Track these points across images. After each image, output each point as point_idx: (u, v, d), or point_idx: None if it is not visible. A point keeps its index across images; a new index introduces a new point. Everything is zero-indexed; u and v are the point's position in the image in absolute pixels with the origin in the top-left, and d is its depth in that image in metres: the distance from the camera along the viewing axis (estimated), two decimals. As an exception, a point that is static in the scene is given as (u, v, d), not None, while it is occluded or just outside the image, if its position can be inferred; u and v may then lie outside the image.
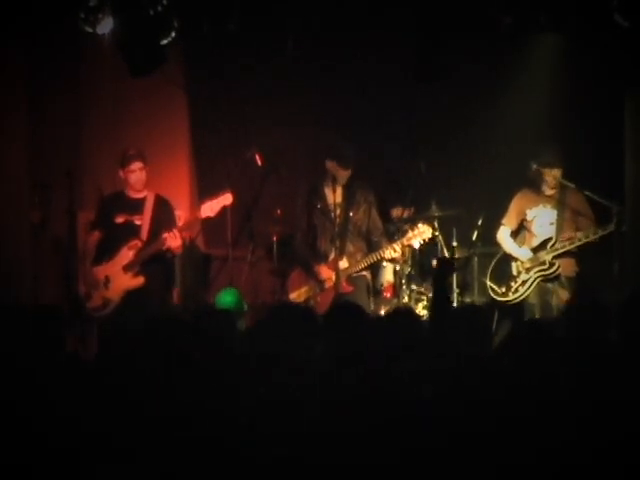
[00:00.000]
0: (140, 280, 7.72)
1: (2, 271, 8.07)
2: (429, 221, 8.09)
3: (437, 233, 8.16)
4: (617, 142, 8.23)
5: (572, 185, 7.99)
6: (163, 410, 3.87)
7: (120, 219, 7.79)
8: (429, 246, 8.16)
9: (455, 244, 8.47)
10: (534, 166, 8.03)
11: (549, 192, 8.11)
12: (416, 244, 7.90)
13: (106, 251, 7.80)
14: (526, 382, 3.94)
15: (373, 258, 7.92)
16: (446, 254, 8.26)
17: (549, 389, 3.91)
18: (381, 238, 8.06)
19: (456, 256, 8.30)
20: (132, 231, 7.78)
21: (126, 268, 7.71)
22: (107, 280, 7.72)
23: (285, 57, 7.71)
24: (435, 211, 8.24)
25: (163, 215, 7.81)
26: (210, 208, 7.65)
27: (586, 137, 8.53)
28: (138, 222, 7.79)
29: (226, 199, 7.66)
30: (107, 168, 8.66)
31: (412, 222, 8.17)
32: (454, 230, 8.47)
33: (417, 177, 8.36)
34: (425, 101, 8.85)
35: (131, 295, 7.72)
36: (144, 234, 7.76)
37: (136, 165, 7.72)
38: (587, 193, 7.95)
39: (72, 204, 7.87)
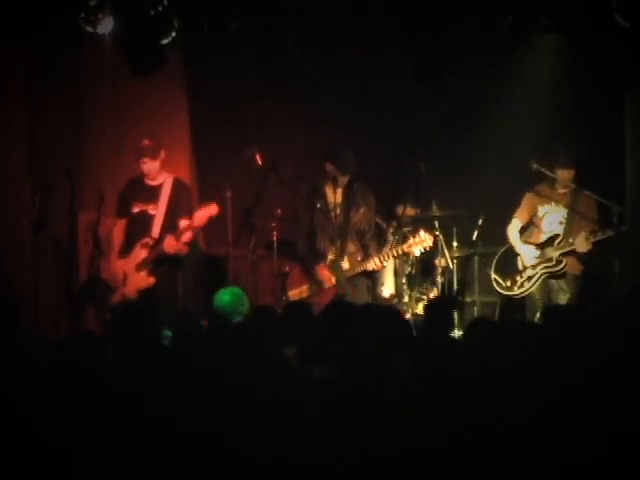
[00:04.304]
0: (151, 280, 7.81)
1: (2, 271, 8.07)
2: (430, 223, 8.10)
3: (438, 233, 8.16)
4: (617, 142, 8.23)
5: (586, 191, 7.99)
6: (159, 409, 3.87)
7: (136, 209, 7.94)
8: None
9: (456, 244, 8.48)
10: (534, 165, 8.04)
11: (561, 191, 8.12)
12: (417, 252, 7.93)
13: (126, 245, 7.96)
14: (527, 381, 3.94)
15: (364, 267, 7.93)
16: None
17: (550, 388, 3.91)
18: (370, 242, 8.08)
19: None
20: (146, 224, 7.87)
21: (139, 267, 7.81)
22: (125, 277, 7.83)
23: (285, 57, 7.70)
24: (436, 211, 8.23)
25: (180, 200, 7.91)
26: (199, 218, 7.76)
27: (586, 137, 8.52)
28: (152, 212, 7.90)
29: (212, 210, 7.81)
30: (108, 168, 8.67)
31: (414, 225, 8.18)
32: (454, 230, 8.48)
33: (417, 177, 8.36)
34: (425, 101, 8.84)
35: (143, 295, 7.80)
36: (156, 229, 7.86)
37: (145, 159, 7.86)
38: (586, 192, 7.96)
39: (72, 204, 7.89)
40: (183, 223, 7.87)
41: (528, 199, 8.24)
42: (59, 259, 8.36)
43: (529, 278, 8.12)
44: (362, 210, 8.05)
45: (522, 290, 8.12)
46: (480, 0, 7.63)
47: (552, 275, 8.08)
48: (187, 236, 7.88)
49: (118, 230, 8.04)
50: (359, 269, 7.95)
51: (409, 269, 8.43)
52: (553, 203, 8.16)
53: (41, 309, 7.99)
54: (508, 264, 8.25)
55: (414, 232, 8.02)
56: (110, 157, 8.63)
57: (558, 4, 7.36)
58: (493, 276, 8.24)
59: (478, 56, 8.43)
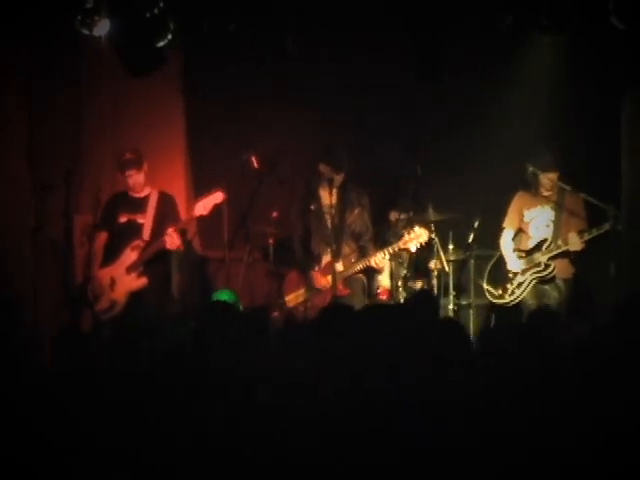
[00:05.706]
0: (143, 281, 7.78)
1: (2, 271, 8.06)
2: (426, 224, 8.09)
3: (433, 236, 8.15)
4: (614, 144, 8.23)
5: (570, 188, 7.98)
6: (158, 410, 3.87)
7: (123, 219, 7.90)
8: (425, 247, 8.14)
9: (451, 246, 8.47)
10: (530, 168, 8.03)
11: (546, 193, 8.10)
12: (413, 248, 7.92)
13: (111, 253, 7.88)
14: (526, 383, 3.94)
15: (365, 263, 7.93)
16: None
17: (548, 391, 3.91)
18: (369, 244, 8.08)
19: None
20: (135, 230, 7.85)
21: (129, 269, 7.78)
22: (113, 282, 7.79)
23: (285, 57, 7.70)
24: (432, 215, 8.22)
25: (167, 212, 7.89)
26: (203, 207, 7.74)
27: (584, 138, 8.53)
28: (141, 220, 7.87)
29: (217, 197, 7.75)
30: (107, 169, 8.67)
31: (409, 225, 8.17)
32: (450, 232, 8.47)
33: (414, 179, 8.35)
34: (425, 101, 8.85)
35: (134, 297, 7.77)
36: (146, 233, 7.83)
37: (131, 172, 7.81)
38: (583, 195, 7.94)
39: (69, 207, 7.89)
40: (184, 215, 7.88)
41: (514, 205, 8.21)
42: (57, 260, 8.37)
43: (519, 285, 8.08)
44: (357, 211, 8.05)
45: (513, 297, 8.08)
46: (480, 0, 7.63)
47: (541, 279, 8.05)
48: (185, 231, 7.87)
49: (99, 242, 7.96)
50: (356, 268, 7.94)
51: (404, 271, 8.44)
52: (539, 206, 8.13)
53: (41, 309, 7.98)
54: (500, 272, 8.23)
55: (409, 228, 8.01)
56: (110, 158, 8.61)
57: (558, 4, 7.36)
58: (485, 286, 8.21)
59: (478, 56, 8.43)
